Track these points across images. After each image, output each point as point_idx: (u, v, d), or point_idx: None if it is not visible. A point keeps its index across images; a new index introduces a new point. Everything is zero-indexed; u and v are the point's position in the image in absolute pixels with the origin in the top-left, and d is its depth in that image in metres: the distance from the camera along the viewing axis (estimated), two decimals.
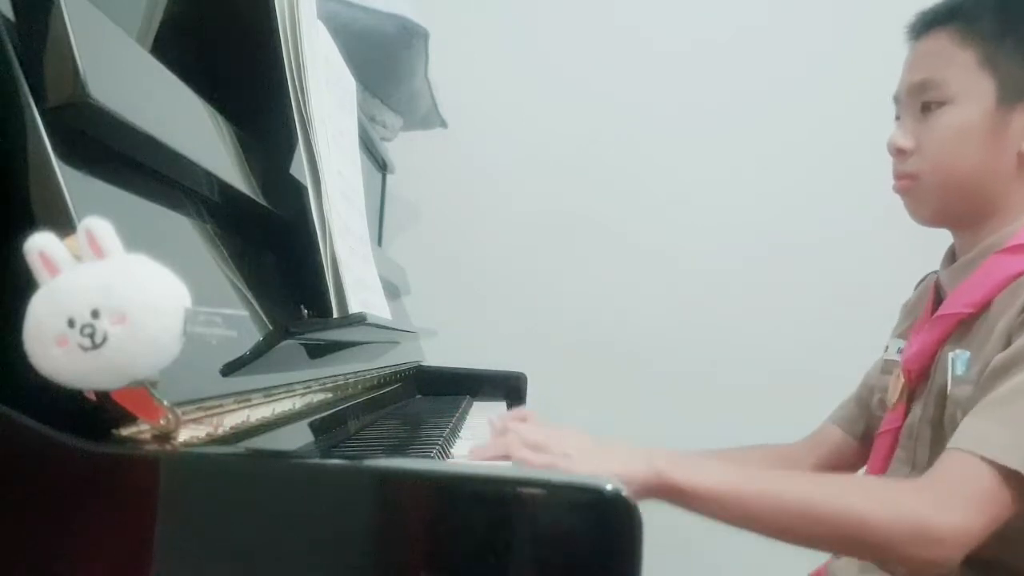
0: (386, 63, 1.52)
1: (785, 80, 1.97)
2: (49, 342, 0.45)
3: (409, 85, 1.62)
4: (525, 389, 1.61)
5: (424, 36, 1.55)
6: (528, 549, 0.48)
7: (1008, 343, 0.87)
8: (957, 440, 0.84)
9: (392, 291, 1.41)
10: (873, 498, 0.83)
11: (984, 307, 0.92)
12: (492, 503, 0.49)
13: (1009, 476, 0.80)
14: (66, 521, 0.48)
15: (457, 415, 1.20)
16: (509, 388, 1.61)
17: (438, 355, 1.70)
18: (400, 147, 1.81)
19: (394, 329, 1.02)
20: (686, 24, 2.04)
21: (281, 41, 0.82)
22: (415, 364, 1.57)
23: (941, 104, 0.95)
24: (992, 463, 0.81)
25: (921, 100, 0.97)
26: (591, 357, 1.98)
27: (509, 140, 2.03)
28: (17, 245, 0.46)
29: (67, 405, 0.47)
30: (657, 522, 0.59)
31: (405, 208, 1.96)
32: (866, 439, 1.15)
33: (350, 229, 0.93)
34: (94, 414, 0.48)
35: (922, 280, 1.16)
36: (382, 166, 1.76)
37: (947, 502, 0.81)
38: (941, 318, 0.96)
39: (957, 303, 0.94)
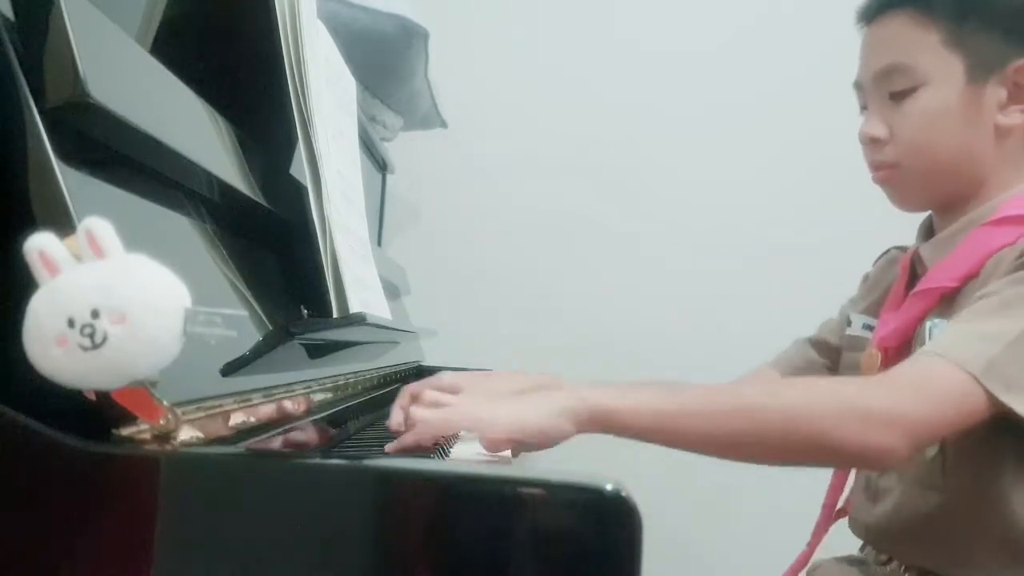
0: (386, 63, 1.52)
1: (785, 80, 1.97)
2: (49, 342, 0.45)
3: (409, 85, 1.62)
4: None
5: (424, 36, 1.55)
6: (528, 549, 0.48)
7: None
8: (923, 347, 0.84)
9: (392, 291, 1.41)
10: (821, 392, 0.81)
11: (969, 279, 0.91)
12: (492, 503, 0.49)
13: (965, 380, 0.79)
14: (66, 521, 0.48)
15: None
16: None
17: (438, 355, 1.70)
18: (400, 147, 1.81)
19: (394, 329, 1.02)
20: (686, 25, 2.04)
21: (281, 41, 0.82)
22: (415, 364, 1.57)
23: (914, 88, 0.94)
24: (950, 363, 0.79)
25: (889, 86, 0.96)
26: (591, 357, 1.98)
27: (509, 140, 2.03)
28: (17, 245, 0.46)
29: (67, 405, 0.47)
30: (657, 522, 0.59)
31: (405, 208, 1.96)
32: None
33: (350, 229, 0.93)
34: (94, 414, 0.48)
35: (883, 254, 1.14)
36: (382, 166, 1.76)
37: (897, 390, 0.80)
38: (923, 292, 0.95)
39: (941, 277, 0.93)
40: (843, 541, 1.07)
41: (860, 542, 1.06)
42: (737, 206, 2.02)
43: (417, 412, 0.76)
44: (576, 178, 2.03)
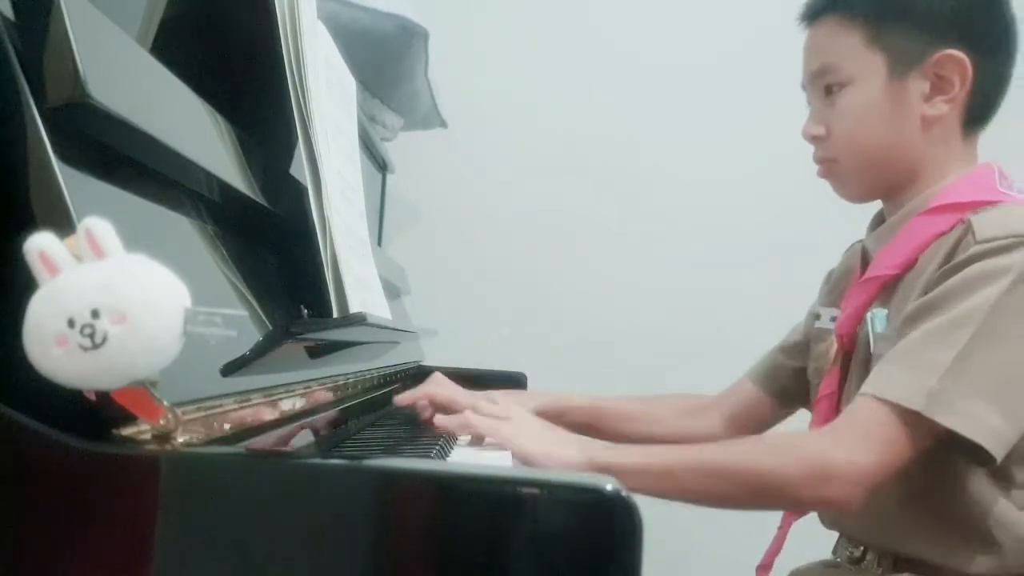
0: (386, 63, 1.52)
1: (784, 81, 1.96)
2: (49, 342, 0.45)
3: (409, 85, 1.62)
4: (525, 389, 1.61)
5: (424, 36, 1.55)
6: (528, 549, 0.48)
7: (925, 295, 0.90)
8: (864, 387, 0.88)
9: (392, 291, 1.41)
10: (773, 448, 0.90)
11: (908, 268, 0.95)
12: (492, 503, 0.49)
13: (909, 417, 0.84)
14: (66, 521, 0.48)
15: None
16: (509, 388, 1.61)
17: (438, 355, 1.70)
18: (400, 147, 1.81)
19: (394, 329, 1.02)
20: (686, 26, 2.04)
21: (281, 41, 0.82)
22: (415, 364, 1.57)
23: (841, 87, 1.00)
24: (893, 405, 0.84)
25: (823, 84, 1.02)
26: (591, 357, 1.98)
27: (509, 140, 2.02)
28: (17, 245, 0.46)
29: (67, 405, 0.47)
30: (657, 522, 0.59)
31: (405, 208, 1.96)
32: (785, 398, 1.21)
33: (350, 229, 0.93)
34: (94, 414, 0.48)
35: (850, 248, 1.18)
36: (382, 166, 1.76)
37: (843, 441, 0.86)
38: (868, 281, 0.99)
39: (882, 265, 0.97)
40: (822, 545, 1.08)
41: (832, 547, 1.07)
42: (737, 206, 2.02)
43: (471, 417, 0.95)
44: (576, 178, 2.03)
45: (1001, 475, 0.89)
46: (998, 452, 0.84)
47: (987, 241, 0.87)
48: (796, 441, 0.92)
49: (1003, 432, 0.84)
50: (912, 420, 0.84)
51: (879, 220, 1.07)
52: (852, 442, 0.85)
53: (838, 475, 0.84)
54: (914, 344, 0.87)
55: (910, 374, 0.85)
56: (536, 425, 0.94)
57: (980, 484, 0.90)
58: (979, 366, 0.84)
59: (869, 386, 0.88)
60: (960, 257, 0.88)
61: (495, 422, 0.93)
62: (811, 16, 1.04)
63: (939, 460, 0.88)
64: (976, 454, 0.85)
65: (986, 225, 0.88)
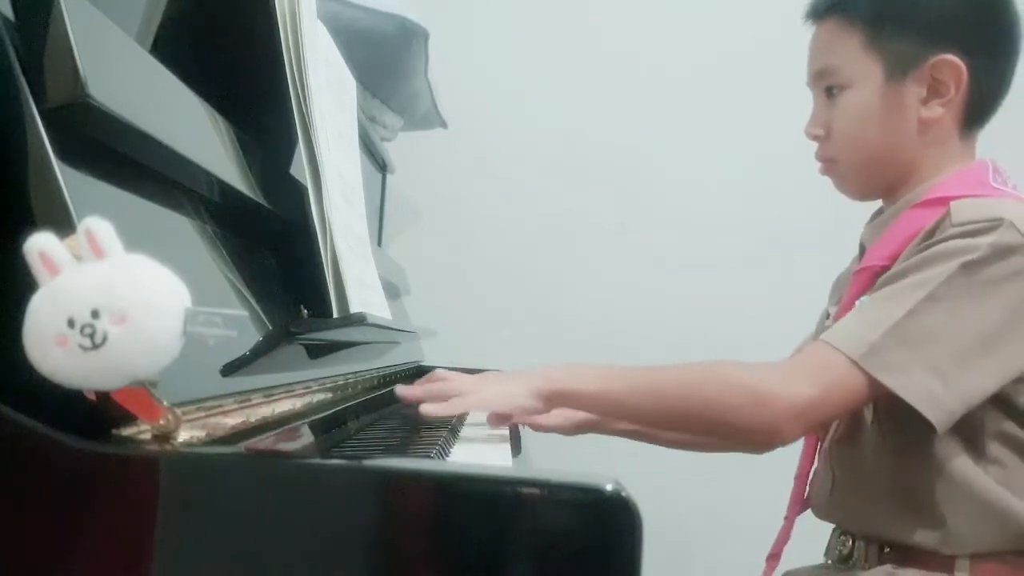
0: (386, 63, 1.52)
1: (785, 80, 1.96)
2: (49, 342, 0.45)
3: (409, 85, 1.62)
4: None
5: (424, 36, 1.55)
6: (528, 549, 0.48)
7: None
8: (821, 335, 0.92)
9: (392, 291, 1.41)
10: (716, 374, 0.91)
11: (895, 259, 0.96)
12: (492, 503, 0.49)
13: (849, 365, 0.86)
14: (66, 521, 0.48)
15: (457, 416, 1.20)
16: None
17: (438, 355, 1.70)
18: (400, 147, 1.81)
19: (394, 329, 1.02)
20: (687, 26, 2.04)
21: (281, 41, 0.82)
22: (415, 364, 1.57)
23: (841, 88, 1.01)
24: (836, 350, 0.87)
25: (824, 85, 1.04)
26: (591, 357, 1.98)
27: (509, 140, 2.02)
28: (17, 245, 0.46)
29: (67, 405, 0.47)
30: (657, 522, 0.59)
31: (405, 208, 1.96)
32: None
33: (350, 229, 0.93)
34: (94, 414, 0.48)
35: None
36: (382, 166, 1.76)
37: (783, 374, 0.90)
38: (859, 272, 1.00)
39: (873, 257, 0.99)
40: (813, 549, 1.08)
41: (824, 549, 1.08)
42: (737, 206, 2.02)
43: (426, 407, 0.93)
44: (576, 178, 2.03)
45: (980, 453, 0.90)
46: (937, 420, 0.84)
47: (962, 224, 0.89)
48: (739, 369, 0.93)
49: (944, 401, 0.84)
50: (849, 368, 0.86)
51: (877, 214, 1.09)
52: (790, 374, 0.89)
53: (770, 401, 0.86)
54: (870, 303, 0.91)
55: (858, 326, 0.89)
56: (488, 377, 0.97)
57: (961, 462, 0.90)
58: (925, 331, 0.86)
59: (824, 333, 0.91)
60: (935, 238, 0.91)
61: (448, 403, 0.91)
62: (815, 16, 1.05)
63: (923, 439, 0.89)
64: (925, 422, 0.85)
65: (964, 210, 0.90)
